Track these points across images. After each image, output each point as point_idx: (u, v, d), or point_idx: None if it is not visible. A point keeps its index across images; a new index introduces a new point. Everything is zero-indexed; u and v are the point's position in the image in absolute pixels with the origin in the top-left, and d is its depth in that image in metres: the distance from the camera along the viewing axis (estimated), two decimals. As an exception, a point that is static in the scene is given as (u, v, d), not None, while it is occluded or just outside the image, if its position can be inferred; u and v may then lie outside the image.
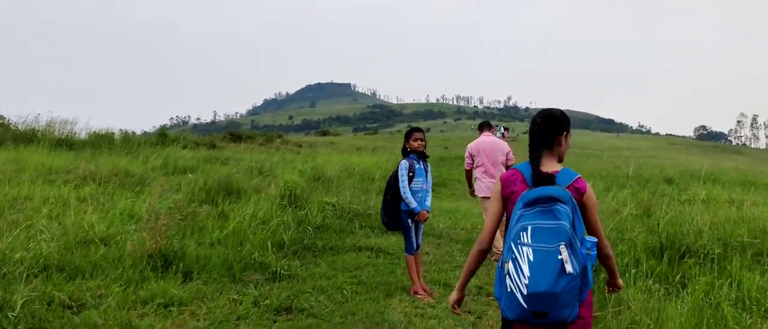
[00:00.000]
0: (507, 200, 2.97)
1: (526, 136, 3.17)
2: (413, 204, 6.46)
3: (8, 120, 18.21)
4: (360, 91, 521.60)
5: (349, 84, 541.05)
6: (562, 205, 2.64)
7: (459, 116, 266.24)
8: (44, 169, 11.50)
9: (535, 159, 2.95)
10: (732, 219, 8.59)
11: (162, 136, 23.53)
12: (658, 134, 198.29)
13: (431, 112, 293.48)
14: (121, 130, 22.07)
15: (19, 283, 4.95)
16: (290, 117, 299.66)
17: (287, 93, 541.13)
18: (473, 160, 8.53)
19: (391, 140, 45.41)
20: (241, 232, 7.51)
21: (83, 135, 18.57)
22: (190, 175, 11.54)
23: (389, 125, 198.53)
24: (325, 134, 61.83)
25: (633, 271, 6.43)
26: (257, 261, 6.78)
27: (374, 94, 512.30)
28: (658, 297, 5.65)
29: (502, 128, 58.46)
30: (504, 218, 3.06)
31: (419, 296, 6.39)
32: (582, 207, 2.84)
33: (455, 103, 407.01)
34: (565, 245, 2.55)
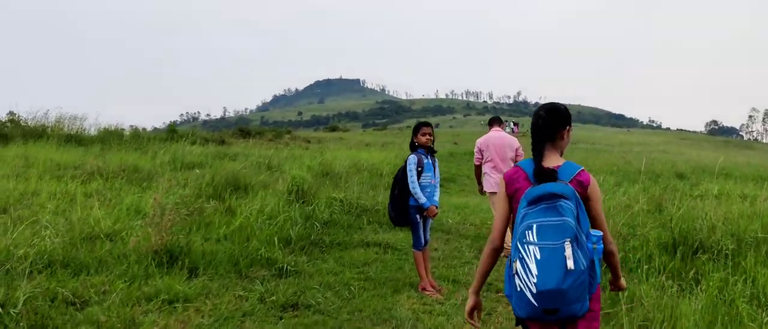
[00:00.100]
0: (512, 198, 2.95)
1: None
2: (422, 199, 6.38)
3: (18, 116, 18.21)
4: (369, 86, 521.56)
5: (358, 80, 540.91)
6: (566, 201, 2.63)
7: (468, 111, 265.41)
8: (52, 165, 11.50)
9: (538, 153, 2.93)
10: (746, 214, 8.45)
11: (171, 132, 23.52)
12: (668, 129, 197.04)
13: (440, 107, 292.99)
14: (131, 126, 22.03)
15: (22, 279, 4.89)
16: (299, 113, 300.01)
17: (296, 89, 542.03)
18: (482, 155, 8.44)
19: (399, 136, 45.26)
20: (248, 227, 7.45)
21: (93, 131, 18.60)
22: (197, 170, 11.49)
23: (398, 121, 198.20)
24: (333, 129, 61.63)
25: (645, 267, 6.31)
26: (264, 257, 6.72)
27: (383, 89, 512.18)
28: (671, 293, 5.54)
29: (511, 124, 58.15)
30: (513, 215, 3.00)
31: (427, 292, 6.31)
32: (585, 200, 2.82)
33: (465, 98, 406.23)
34: (570, 241, 2.55)
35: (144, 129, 25.52)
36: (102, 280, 5.39)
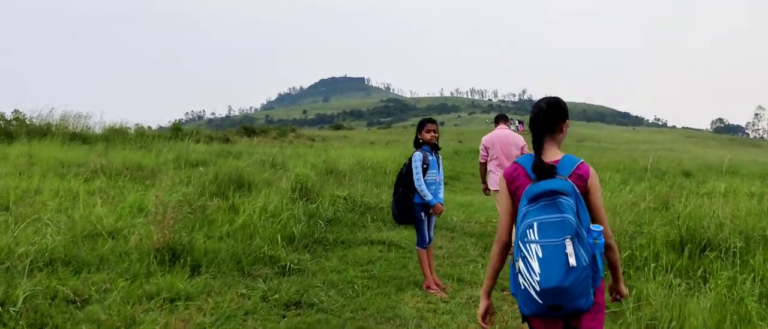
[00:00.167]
0: (514, 196, 2.94)
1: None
2: (429, 197, 6.31)
3: (23, 114, 18.21)
4: (374, 85, 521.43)
5: (362, 78, 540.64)
6: (565, 198, 2.63)
7: (473, 109, 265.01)
8: (56, 163, 11.48)
9: (537, 146, 2.93)
10: (754, 212, 8.38)
11: (176, 130, 23.55)
12: (674, 127, 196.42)
13: (445, 105, 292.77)
14: (136, 125, 22.04)
15: (23, 277, 4.85)
16: (304, 111, 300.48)
17: (301, 87, 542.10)
18: (488, 153, 8.39)
19: (404, 134, 45.23)
20: (251, 225, 7.39)
21: (98, 130, 18.59)
22: (201, 168, 11.45)
23: (403, 119, 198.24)
24: (338, 128, 61.60)
25: (652, 265, 6.24)
26: (267, 255, 6.66)
27: (388, 88, 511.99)
28: (678, 292, 5.47)
29: (516, 122, 58.02)
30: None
31: (432, 291, 6.25)
32: (585, 192, 2.81)
33: (469, 96, 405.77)
34: (570, 238, 2.54)
35: (149, 128, 25.56)
36: (103, 278, 5.34)
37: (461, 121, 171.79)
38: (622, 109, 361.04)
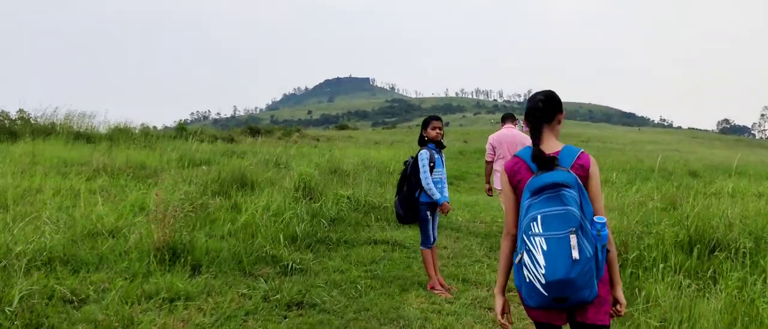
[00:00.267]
0: (516, 189, 2.94)
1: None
2: (437, 195, 6.21)
3: (27, 114, 18.16)
4: (379, 85, 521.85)
5: (367, 78, 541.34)
6: (568, 190, 2.64)
7: (478, 110, 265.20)
8: (59, 162, 11.40)
9: (536, 136, 2.95)
10: (763, 213, 8.26)
11: (181, 130, 23.50)
12: (680, 127, 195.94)
13: (450, 106, 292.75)
14: (142, 124, 22.01)
15: (19, 276, 4.76)
16: (309, 112, 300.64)
17: (306, 88, 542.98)
18: (495, 152, 8.35)
19: (409, 134, 45.20)
20: (253, 224, 7.29)
21: (102, 129, 18.52)
22: (204, 167, 11.37)
23: (408, 120, 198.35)
24: (343, 128, 61.61)
25: (661, 266, 6.13)
26: (269, 254, 6.56)
27: (393, 88, 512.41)
28: (688, 293, 5.36)
29: (522, 122, 57.92)
30: None
31: (436, 291, 6.14)
32: (586, 180, 2.81)
33: (474, 97, 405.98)
34: (575, 230, 2.55)
35: (155, 128, 25.53)
36: (102, 277, 5.25)
37: (466, 121, 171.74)
38: (627, 109, 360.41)
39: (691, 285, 5.59)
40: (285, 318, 5.11)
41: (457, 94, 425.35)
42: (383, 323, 5.18)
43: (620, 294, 2.85)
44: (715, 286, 5.68)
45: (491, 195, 9.06)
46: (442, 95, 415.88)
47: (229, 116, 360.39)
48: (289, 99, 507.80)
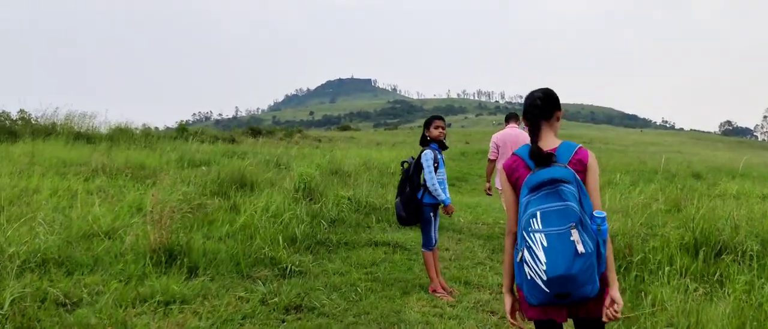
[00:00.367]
0: (514, 186, 2.92)
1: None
2: (442, 196, 6.10)
3: (28, 114, 18.08)
4: (381, 86, 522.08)
5: (369, 79, 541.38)
6: (567, 185, 2.62)
7: (480, 111, 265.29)
8: (58, 162, 11.29)
9: (534, 133, 2.95)
10: (769, 215, 8.15)
11: (182, 130, 23.42)
12: (682, 129, 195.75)
13: (452, 107, 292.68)
14: (143, 124, 21.93)
15: (11, 278, 4.65)
16: (311, 113, 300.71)
17: (308, 89, 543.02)
18: (498, 151, 8.28)
19: (411, 135, 45.06)
20: (252, 226, 7.17)
21: (103, 129, 18.43)
22: (203, 168, 11.27)
23: (410, 121, 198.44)
24: (345, 129, 61.55)
25: (666, 269, 6.01)
26: (267, 256, 6.44)
27: (395, 89, 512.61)
28: (695, 297, 5.24)
29: (524, 122, 57.85)
30: None
31: (438, 294, 6.03)
32: (584, 176, 2.80)
33: (476, 98, 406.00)
34: (575, 225, 2.54)
35: (156, 128, 25.45)
36: (96, 280, 5.14)
37: (468, 122, 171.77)
38: (629, 111, 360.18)
39: (697, 288, 5.48)
40: (283, 321, 5.01)
41: (458, 95, 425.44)
42: (384, 327, 5.08)
43: (616, 293, 2.75)
44: (721, 289, 5.57)
45: (490, 194, 8.98)
46: (444, 96, 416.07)
47: (231, 116, 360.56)
48: (291, 100, 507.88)
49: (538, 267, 2.56)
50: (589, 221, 2.61)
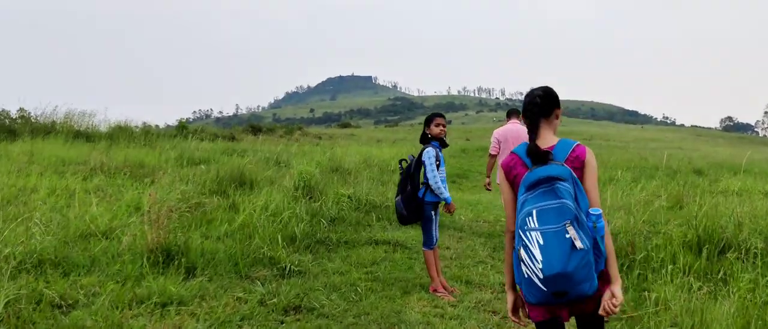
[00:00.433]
0: (513, 185, 2.94)
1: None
2: (445, 194, 6.06)
3: (28, 113, 18.00)
4: (381, 83, 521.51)
5: (370, 76, 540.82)
6: (563, 183, 2.62)
7: (481, 107, 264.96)
8: (57, 161, 11.22)
9: (533, 131, 2.95)
10: (773, 212, 8.07)
11: (181, 128, 23.32)
12: (683, 125, 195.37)
13: (453, 104, 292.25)
14: (144, 122, 21.83)
15: (6, 280, 4.58)
16: (311, 110, 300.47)
17: (308, 86, 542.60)
18: (500, 146, 8.29)
19: (411, 132, 44.99)
20: (251, 225, 7.10)
21: (103, 127, 18.36)
22: (202, 166, 11.19)
23: (410, 118, 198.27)
24: (345, 126, 61.47)
25: (669, 267, 5.95)
26: (266, 256, 6.36)
27: (395, 86, 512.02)
28: (699, 296, 5.18)
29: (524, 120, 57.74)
30: None
31: (439, 294, 5.96)
32: (581, 173, 2.81)
33: (477, 94, 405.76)
34: (570, 222, 2.53)
35: (156, 126, 25.37)
36: (93, 281, 5.07)
37: (468, 119, 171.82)
38: (629, 107, 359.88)
39: (701, 287, 5.42)
40: (282, 323, 4.94)
41: (459, 92, 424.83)
42: (384, 328, 5.02)
43: (617, 289, 2.72)
44: (725, 288, 5.50)
45: (490, 189, 8.95)
46: (445, 93, 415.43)
47: (231, 114, 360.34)
48: (291, 97, 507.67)
49: (534, 265, 2.56)
50: (585, 219, 2.61)
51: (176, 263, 5.63)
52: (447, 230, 9.16)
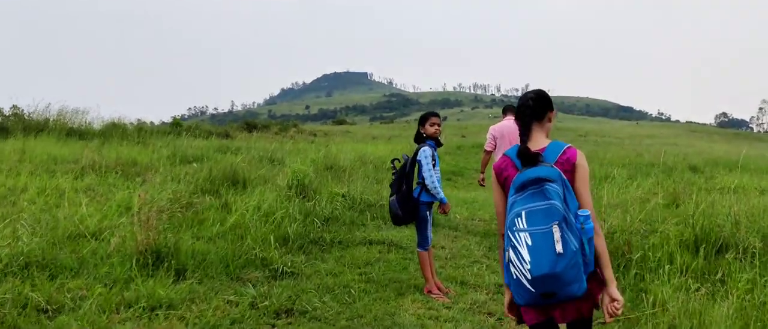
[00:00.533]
0: (503, 187, 2.95)
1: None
2: (441, 195, 5.98)
3: (21, 110, 17.85)
4: (377, 80, 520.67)
5: (365, 73, 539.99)
6: (551, 184, 2.63)
7: (476, 104, 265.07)
8: (48, 159, 11.09)
9: (524, 134, 2.96)
10: (769, 210, 8.01)
11: (176, 125, 23.21)
12: (678, 121, 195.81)
13: (448, 100, 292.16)
14: (138, 119, 21.70)
15: (-10, 284, 4.48)
16: (307, 107, 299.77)
17: (304, 82, 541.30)
18: (496, 142, 8.25)
19: (407, 129, 44.86)
20: (243, 225, 6.99)
21: (96, 125, 18.25)
22: (195, 164, 11.06)
23: (406, 114, 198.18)
24: (340, 123, 61.29)
25: (667, 267, 5.88)
26: (258, 257, 6.26)
27: (391, 83, 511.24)
28: (697, 297, 5.10)
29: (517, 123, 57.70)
30: None
31: (434, 295, 5.88)
32: (572, 175, 2.81)
33: (472, 91, 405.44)
34: (558, 224, 2.53)
35: (151, 123, 25.24)
36: (80, 284, 4.96)
37: (464, 116, 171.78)
38: (624, 103, 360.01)
39: (700, 287, 5.35)
40: (273, 326, 4.86)
41: (454, 88, 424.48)
42: (377, 331, 4.93)
43: (615, 291, 2.77)
44: (723, 288, 5.43)
45: (483, 185, 8.92)
46: (440, 89, 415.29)
47: (226, 110, 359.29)
48: (287, 94, 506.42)
49: (522, 266, 2.57)
50: (573, 220, 2.61)
51: (166, 265, 5.52)
52: (442, 229, 9.08)
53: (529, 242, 2.55)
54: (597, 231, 2.76)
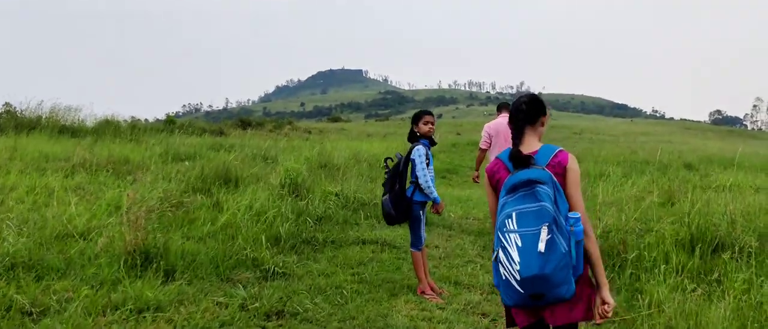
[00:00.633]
0: (495, 189, 2.98)
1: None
2: (435, 194, 5.92)
3: (13, 108, 17.70)
4: (372, 77, 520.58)
5: (360, 70, 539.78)
6: (542, 186, 2.65)
7: (471, 101, 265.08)
8: (40, 157, 10.97)
9: (516, 137, 3.00)
10: (765, 208, 7.97)
11: (169, 123, 23.08)
12: (672, 118, 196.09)
13: (443, 98, 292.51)
14: (132, 117, 21.56)
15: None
16: (302, 104, 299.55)
17: (299, 80, 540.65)
18: (491, 140, 8.22)
19: (401, 126, 44.78)
20: (234, 225, 6.90)
21: (89, 122, 18.11)
22: (187, 162, 10.95)
23: (401, 112, 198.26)
24: (335, 120, 61.14)
25: (662, 267, 5.82)
26: (249, 258, 6.17)
27: (386, 80, 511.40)
28: (694, 297, 5.05)
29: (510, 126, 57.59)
30: None
31: (427, 296, 5.81)
32: (563, 178, 2.82)
33: (467, 89, 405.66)
34: (547, 225, 2.55)
35: (145, 120, 25.09)
36: (66, 286, 4.85)
37: (459, 113, 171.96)
38: (619, 100, 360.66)
39: (696, 288, 5.29)
40: (263, 328, 4.76)
41: (449, 86, 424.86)
42: (369, 333, 4.85)
43: (607, 294, 2.80)
44: (719, 288, 5.38)
45: (477, 182, 8.88)
46: (435, 86, 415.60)
47: (221, 107, 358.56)
48: (282, 91, 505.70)
49: (512, 267, 2.58)
50: (564, 222, 2.63)
51: (154, 266, 5.41)
52: (436, 228, 9.01)
53: (519, 244, 2.57)
54: (588, 234, 2.77)
